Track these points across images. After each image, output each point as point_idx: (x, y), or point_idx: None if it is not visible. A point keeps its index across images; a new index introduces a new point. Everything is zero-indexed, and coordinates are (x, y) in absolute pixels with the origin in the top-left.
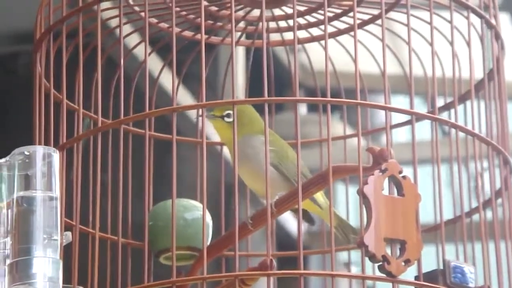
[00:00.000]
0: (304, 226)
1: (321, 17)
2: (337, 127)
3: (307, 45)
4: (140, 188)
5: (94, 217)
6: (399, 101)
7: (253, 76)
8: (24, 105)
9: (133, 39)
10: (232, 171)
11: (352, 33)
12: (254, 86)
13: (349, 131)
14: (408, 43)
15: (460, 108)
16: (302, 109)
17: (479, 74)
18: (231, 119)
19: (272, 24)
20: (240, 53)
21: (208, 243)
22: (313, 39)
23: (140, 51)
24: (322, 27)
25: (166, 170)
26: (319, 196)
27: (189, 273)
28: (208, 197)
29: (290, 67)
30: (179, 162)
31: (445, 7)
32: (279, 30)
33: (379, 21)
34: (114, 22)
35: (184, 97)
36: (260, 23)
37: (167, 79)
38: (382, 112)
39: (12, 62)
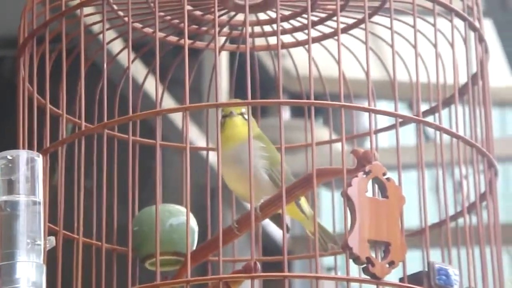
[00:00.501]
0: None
1: (306, 21)
2: (322, 131)
3: (292, 50)
4: (125, 193)
5: (78, 222)
6: (383, 106)
7: (238, 81)
8: (9, 109)
9: (118, 45)
10: (218, 176)
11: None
12: (239, 90)
13: (334, 137)
14: (392, 46)
15: (445, 112)
16: (286, 114)
17: (464, 77)
18: (247, 117)
19: (258, 29)
20: (224, 58)
21: (194, 248)
22: (298, 43)
23: (124, 57)
24: (307, 31)
25: (152, 175)
26: (305, 204)
27: (174, 278)
28: (193, 202)
29: (274, 72)
30: (164, 167)
31: (430, 12)
32: (264, 34)
33: (363, 25)
34: (98, 28)
35: (169, 104)
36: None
37: (152, 85)
38: (367, 118)
39: None
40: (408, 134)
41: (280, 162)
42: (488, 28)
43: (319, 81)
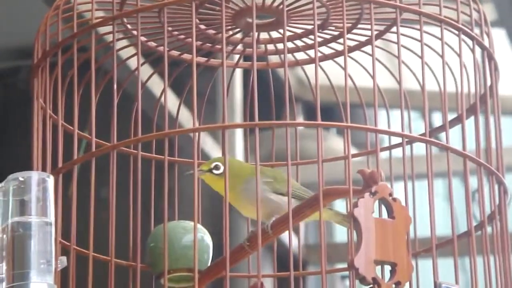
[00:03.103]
0: (301, 240)
1: (318, 39)
2: (336, 141)
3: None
4: (143, 209)
5: (91, 239)
6: (398, 115)
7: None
8: (23, 118)
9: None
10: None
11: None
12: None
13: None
14: (399, 63)
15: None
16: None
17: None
18: (219, 171)
19: (271, 46)
20: (238, 75)
21: (209, 264)
22: (311, 61)
23: (143, 74)
24: (320, 49)
25: (171, 191)
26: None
27: None
28: (210, 218)
29: (290, 87)
30: (186, 182)
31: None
32: (277, 52)
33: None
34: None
35: (186, 116)
36: (260, 46)
37: (170, 100)
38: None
39: (12, 77)
40: None
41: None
42: (500, 37)
43: (334, 91)
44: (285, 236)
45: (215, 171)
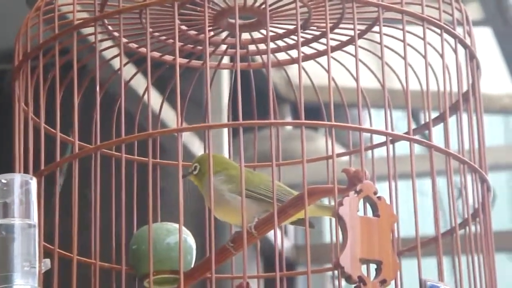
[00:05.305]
0: (291, 241)
1: (301, 39)
2: (323, 142)
3: None
4: (126, 211)
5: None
6: (383, 115)
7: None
8: (8, 122)
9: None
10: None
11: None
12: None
13: (337, 148)
14: (382, 62)
15: (441, 126)
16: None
17: (458, 91)
18: (196, 171)
19: (253, 47)
20: (225, 76)
21: (192, 266)
22: (293, 61)
23: (126, 74)
24: (302, 49)
25: (155, 193)
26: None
27: None
28: (194, 219)
29: (277, 86)
30: (171, 183)
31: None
32: (259, 52)
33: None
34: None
35: (170, 116)
36: (242, 46)
37: (155, 100)
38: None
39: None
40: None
41: (254, 180)
42: (487, 36)
43: (319, 91)
44: (273, 236)
45: (194, 172)
